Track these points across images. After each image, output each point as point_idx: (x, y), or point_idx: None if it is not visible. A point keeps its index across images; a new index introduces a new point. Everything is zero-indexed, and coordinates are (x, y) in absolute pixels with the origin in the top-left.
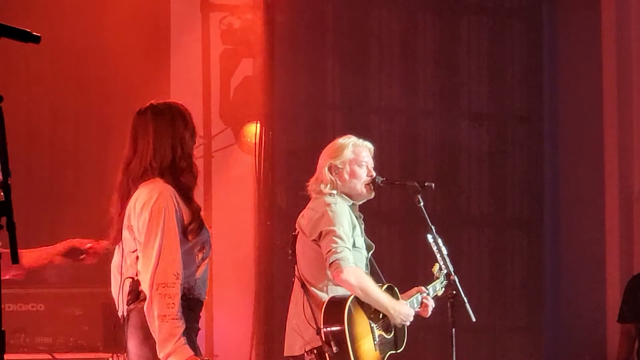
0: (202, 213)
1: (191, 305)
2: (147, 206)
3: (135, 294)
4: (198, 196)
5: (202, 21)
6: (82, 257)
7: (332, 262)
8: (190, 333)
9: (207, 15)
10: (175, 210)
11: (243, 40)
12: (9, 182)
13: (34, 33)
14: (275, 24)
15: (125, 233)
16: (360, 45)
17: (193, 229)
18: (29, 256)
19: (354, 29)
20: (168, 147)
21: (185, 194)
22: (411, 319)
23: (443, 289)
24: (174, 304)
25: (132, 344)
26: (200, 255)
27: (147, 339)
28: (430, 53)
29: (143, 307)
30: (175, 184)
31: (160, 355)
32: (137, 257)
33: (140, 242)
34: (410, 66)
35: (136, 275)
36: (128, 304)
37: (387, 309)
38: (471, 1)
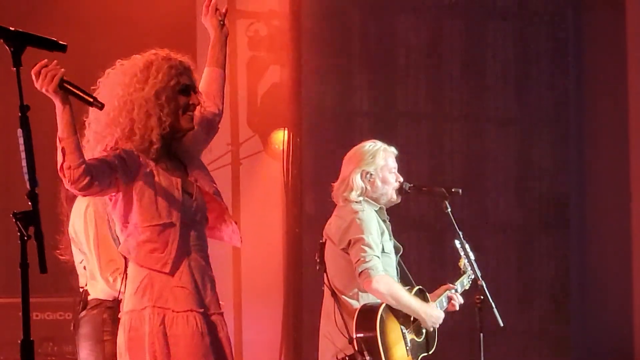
0: None
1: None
2: (80, 214)
3: (84, 303)
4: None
5: (229, 28)
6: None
7: (361, 272)
8: None
9: (233, 22)
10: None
11: (270, 47)
12: (36, 192)
13: (60, 42)
14: (302, 30)
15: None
16: (387, 51)
17: None
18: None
19: (380, 35)
20: None
21: None
22: (441, 321)
23: (470, 282)
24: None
25: (84, 352)
26: None
27: (97, 344)
28: (457, 58)
29: (92, 315)
30: None
31: None
32: (85, 267)
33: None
34: (437, 71)
35: (85, 285)
36: (78, 313)
37: (419, 314)
38: (497, 6)
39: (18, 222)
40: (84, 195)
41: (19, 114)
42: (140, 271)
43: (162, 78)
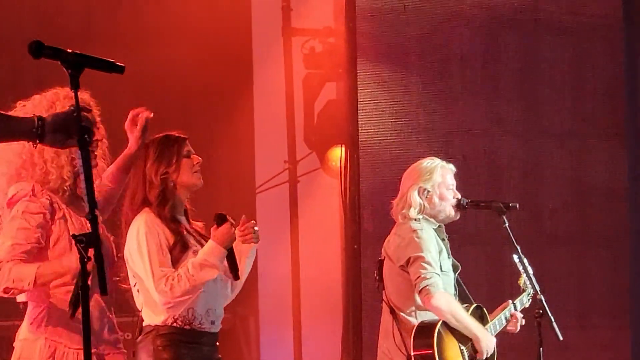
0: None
1: (194, 339)
2: (133, 238)
3: (140, 329)
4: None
5: (284, 46)
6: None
7: (422, 288)
8: None
9: (288, 40)
10: (157, 232)
11: (326, 64)
12: (95, 214)
13: (118, 63)
14: (357, 47)
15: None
16: (443, 66)
17: (176, 251)
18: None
19: (436, 51)
20: (140, 184)
21: (165, 221)
22: (492, 348)
23: (530, 300)
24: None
25: None
26: None
27: None
28: (513, 72)
29: (149, 341)
30: (156, 212)
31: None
32: (138, 290)
33: (136, 274)
34: (493, 86)
35: (140, 310)
36: (136, 338)
37: (475, 335)
38: (552, 21)
39: (78, 244)
40: None
41: (78, 136)
42: (40, 302)
43: None
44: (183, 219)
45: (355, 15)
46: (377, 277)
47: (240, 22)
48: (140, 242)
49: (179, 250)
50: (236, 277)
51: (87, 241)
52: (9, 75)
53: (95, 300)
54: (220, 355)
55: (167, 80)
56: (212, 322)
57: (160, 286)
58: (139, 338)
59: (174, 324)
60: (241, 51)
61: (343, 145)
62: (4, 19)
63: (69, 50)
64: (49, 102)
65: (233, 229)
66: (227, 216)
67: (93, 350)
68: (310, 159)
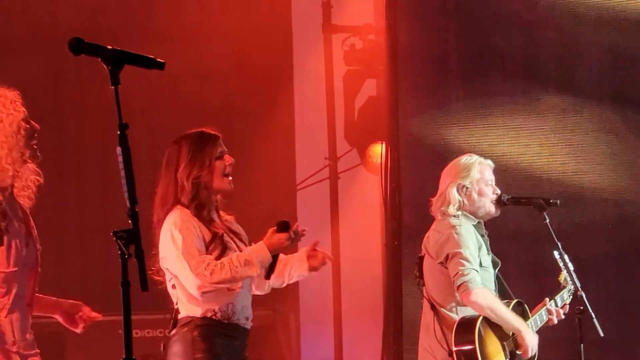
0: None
1: (229, 332)
2: (167, 231)
3: (175, 322)
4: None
5: (325, 43)
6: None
7: (460, 284)
8: None
9: (329, 37)
10: (193, 225)
11: (366, 61)
12: (136, 210)
13: (158, 59)
14: (398, 43)
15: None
16: (484, 62)
17: (213, 248)
18: (43, 303)
19: (477, 47)
20: (171, 186)
21: (202, 219)
22: (536, 346)
23: (570, 297)
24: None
25: None
26: None
27: None
28: (552, 69)
29: (182, 333)
30: (193, 213)
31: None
32: (174, 286)
33: (170, 268)
34: (532, 83)
35: (176, 304)
36: (169, 332)
37: (517, 329)
38: (591, 17)
39: (118, 241)
40: None
41: (118, 132)
42: None
43: (13, 112)
44: (216, 215)
45: (395, 12)
46: (418, 274)
47: (281, 19)
48: (174, 233)
49: (218, 252)
50: (267, 276)
51: (128, 238)
52: (49, 72)
53: (21, 303)
54: (247, 354)
55: (207, 78)
56: (247, 319)
57: (199, 269)
58: (174, 331)
59: (214, 317)
60: (281, 48)
61: (383, 142)
62: (42, 17)
63: (109, 47)
64: None
65: (289, 241)
66: (291, 226)
67: (13, 350)
68: (350, 155)
